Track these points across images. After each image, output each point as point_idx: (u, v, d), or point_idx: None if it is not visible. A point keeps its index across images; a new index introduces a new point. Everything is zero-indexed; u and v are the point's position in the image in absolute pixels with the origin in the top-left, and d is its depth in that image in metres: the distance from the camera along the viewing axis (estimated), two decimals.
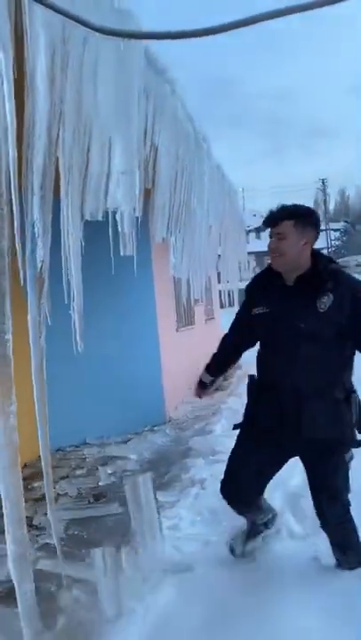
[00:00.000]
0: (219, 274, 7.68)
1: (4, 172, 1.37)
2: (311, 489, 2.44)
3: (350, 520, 2.43)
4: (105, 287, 4.96)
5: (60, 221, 1.95)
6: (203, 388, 2.77)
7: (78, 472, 4.42)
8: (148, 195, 3.16)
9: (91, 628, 2.07)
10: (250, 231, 35.37)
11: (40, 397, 1.71)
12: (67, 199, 1.95)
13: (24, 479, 4.14)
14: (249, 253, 17.36)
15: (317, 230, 2.32)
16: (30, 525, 3.38)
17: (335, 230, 50.03)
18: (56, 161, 1.84)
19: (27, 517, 3.45)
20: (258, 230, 49.97)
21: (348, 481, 2.37)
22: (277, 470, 2.52)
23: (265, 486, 2.57)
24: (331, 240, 48.40)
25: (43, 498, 3.67)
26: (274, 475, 2.53)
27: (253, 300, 2.44)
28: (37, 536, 3.24)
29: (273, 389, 2.33)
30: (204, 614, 2.14)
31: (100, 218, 2.24)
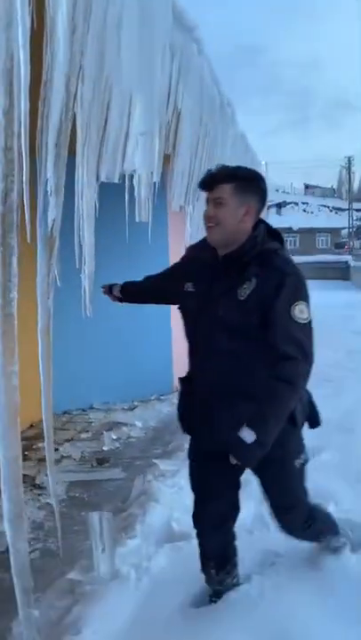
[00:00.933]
0: None
1: (16, 125, 1.31)
2: (269, 502, 2.11)
3: (314, 520, 2.17)
4: (118, 253, 4.89)
5: (74, 181, 1.90)
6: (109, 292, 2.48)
7: (83, 435, 4.46)
8: (167, 160, 3.07)
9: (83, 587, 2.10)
10: (270, 206, 34.86)
11: (45, 358, 1.69)
12: (82, 158, 1.88)
13: (30, 439, 4.25)
14: None
15: (263, 199, 1.92)
16: (33, 485, 3.43)
17: (358, 210, 49.12)
18: (73, 117, 1.77)
19: (29, 477, 3.54)
20: (279, 206, 49.24)
21: (305, 486, 2.09)
22: (230, 493, 2.08)
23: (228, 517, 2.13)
24: (353, 220, 47.60)
25: (44, 458, 3.73)
26: (230, 500, 2.09)
27: (186, 268, 2.12)
28: (39, 495, 3.29)
29: (190, 385, 2.02)
30: (196, 585, 2.15)
31: (116, 180, 2.17)
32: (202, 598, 2.14)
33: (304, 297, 1.82)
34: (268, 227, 1.96)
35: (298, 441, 2.00)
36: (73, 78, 1.72)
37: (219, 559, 2.12)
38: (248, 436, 1.73)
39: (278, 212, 46.26)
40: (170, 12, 2.62)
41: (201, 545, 2.12)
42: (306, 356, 1.78)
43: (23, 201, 1.33)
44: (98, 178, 2.09)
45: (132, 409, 5.16)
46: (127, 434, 4.44)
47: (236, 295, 1.82)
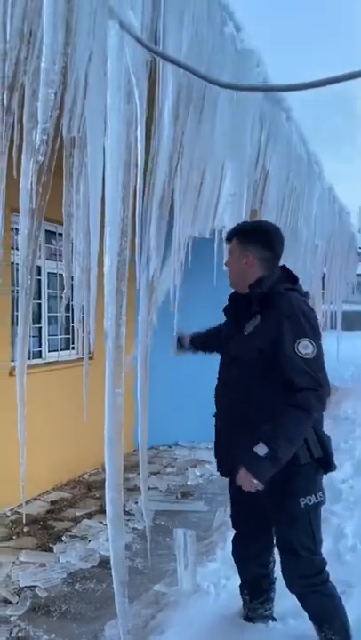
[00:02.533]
0: (323, 294, 7.65)
1: (131, 194, 1.65)
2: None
3: (325, 586, 2.01)
4: (207, 297, 5.21)
5: (172, 236, 2.24)
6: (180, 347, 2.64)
7: (169, 470, 4.70)
8: (254, 214, 3.38)
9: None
10: None
11: (143, 389, 1.98)
12: (180, 218, 2.22)
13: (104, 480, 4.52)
14: (359, 275, 16.86)
15: (267, 247, 2.10)
16: (123, 511, 3.70)
17: None
18: (173, 184, 2.12)
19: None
20: None
21: (315, 533, 2.00)
22: (265, 527, 2.16)
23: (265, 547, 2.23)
24: None
25: (134, 488, 4.02)
26: (266, 534, 2.18)
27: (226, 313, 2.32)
28: (128, 521, 3.54)
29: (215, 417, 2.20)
30: None
31: (207, 236, 2.49)
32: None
33: (308, 333, 1.93)
34: (286, 271, 2.17)
35: (305, 480, 1.97)
36: (175, 154, 2.08)
37: (252, 589, 2.24)
38: (260, 449, 1.86)
39: None
40: (260, 82, 2.96)
41: (239, 573, 2.27)
42: (319, 385, 1.89)
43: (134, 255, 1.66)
44: (192, 234, 2.42)
45: None
46: (210, 471, 4.61)
47: (243, 331, 2.04)
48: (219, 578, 2.47)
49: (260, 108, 3.00)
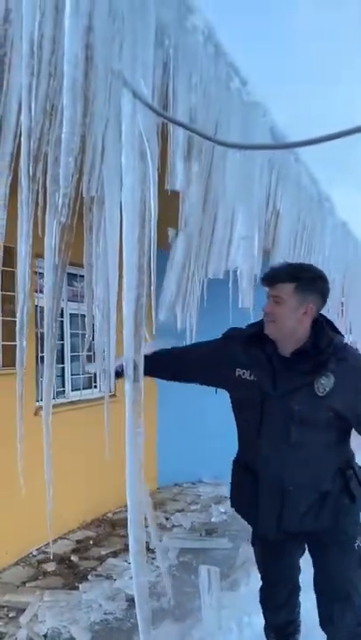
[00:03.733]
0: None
1: (146, 246, 1.77)
2: (317, 592, 2.08)
3: None
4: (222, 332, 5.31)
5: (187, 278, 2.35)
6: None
7: (193, 507, 4.71)
8: (267, 254, 3.48)
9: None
10: None
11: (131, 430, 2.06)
12: (195, 262, 2.34)
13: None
14: None
15: (323, 298, 1.96)
16: (147, 549, 3.71)
17: None
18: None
19: (145, 543, 3.81)
20: None
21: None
22: (293, 573, 2.20)
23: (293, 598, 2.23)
24: None
25: (158, 526, 4.03)
26: (293, 579, 2.21)
27: (237, 355, 2.04)
28: (153, 559, 3.56)
29: (252, 474, 1.99)
30: None
31: (221, 277, 2.59)
32: None
33: None
34: (326, 319, 2.02)
35: (357, 520, 1.99)
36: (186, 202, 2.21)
37: (279, 634, 2.23)
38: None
39: None
40: (268, 133, 3.11)
41: (266, 619, 2.25)
42: None
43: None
44: (206, 275, 2.53)
45: None
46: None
47: (314, 391, 1.85)
48: (242, 615, 2.47)
49: (270, 152, 3.14)
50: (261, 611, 2.28)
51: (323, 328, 1.94)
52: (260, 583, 2.28)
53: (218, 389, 2.19)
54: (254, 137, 2.83)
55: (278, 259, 3.58)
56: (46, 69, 1.30)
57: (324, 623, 2.02)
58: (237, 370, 2.00)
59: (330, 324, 2.03)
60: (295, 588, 2.21)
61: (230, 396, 2.12)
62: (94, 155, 1.52)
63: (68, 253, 1.44)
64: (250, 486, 1.99)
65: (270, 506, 1.94)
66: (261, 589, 2.27)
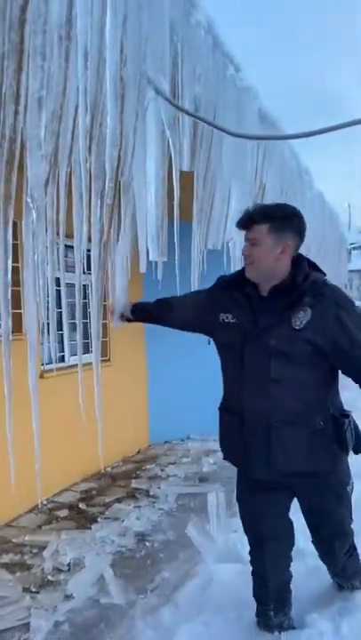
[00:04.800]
0: None
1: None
2: (313, 531, 2.19)
3: (355, 548, 2.26)
4: None
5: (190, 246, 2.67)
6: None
7: (184, 460, 5.10)
8: None
9: None
10: (354, 248, 34.72)
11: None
12: (197, 234, 2.64)
13: (139, 462, 4.93)
14: (351, 271, 17.34)
15: (300, 236, 1.95)
16: (148, 495, 4.10)
17: None
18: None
19: (144, 490, 4.21)
20: None
21: (351, 512, 2.15)
22: (288, 523, 2.17)
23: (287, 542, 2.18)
24: None
25: (155, 476, 4.42)
26: (292, 530, 2.18)
27: (221, 300, 2.07)
28: (154, 503, 3.95)
29: (238, 417, 1.99)
30: None
31: (219, 248, 2.91)
32: None
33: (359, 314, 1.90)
34: (307, 259, 2.01)
35: (347, 466, 2.07)
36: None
37: (278, 601, 2.16)
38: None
39: None
40: (256, 112, 3.39)
41: (261, 587, 2.16)
42: None
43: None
44: (206, 246, 2.84)
45: None
46: (222, 459, 5.02)
47: (291, 325, 1.85)
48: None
49: (259, 132, 3.42)
50: (255, 584, 2.19)
51: (301, 265, 1.93)
52: (249, 550, 2.21)
53: (210, 340, 2.20)
54: (246, 118, 3.12)
55: None
56: (95, 77, 1.56)
57: (325, 556, 2.25)
58: (221, 315, 2.03)
59: (312, 264, 2.01)
60: (292, 541, 2.18)
61: (215, 342, 2.14)
62: (127, 144, 1.79)
63: (110, 230, 1.72)
64: (237, 429, 1.98)
65: (258, 444, 1.93)
66: (254, 553, 2.17)
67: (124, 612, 2.51)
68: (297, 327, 1.85)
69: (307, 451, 1.92)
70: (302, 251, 2.03)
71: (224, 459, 2.21)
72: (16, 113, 1.28)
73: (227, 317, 2.03)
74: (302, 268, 1.94)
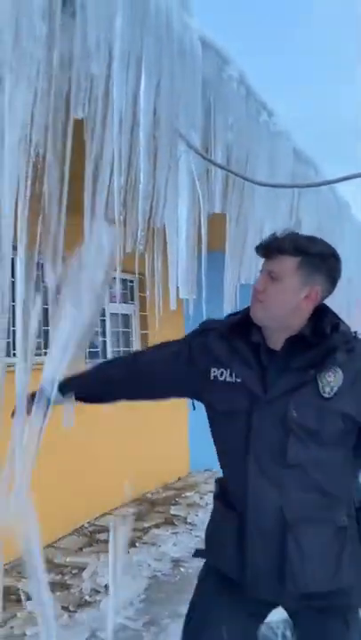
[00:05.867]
0: None
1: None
2: None
3: None
4: None
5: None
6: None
7: None
8: None
9: None
10: None
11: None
12: (229, 269, 2.79)
13: (178, 489, 5.01)
14: None
15: (333, 283, 1.45)
16: (185, 522, 4.19)
17: None
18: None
19: (182, 517, 4.29)
20: None
21: None
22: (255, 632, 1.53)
23: None
24: None
25: (193, 504, 4.50)
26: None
27: (213, 351, 1.50)
28: (191, 530, 4.03)
29: (239, 513, 1.41)
30: None
31: (252, 282, 3.03)
32: None
33: None
34: (327, 307, 1.52)
35: None
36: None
37: None
38: None
39: None
40: (291, 153, 3.53)
41: None
42: None
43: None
44: (239, 280, 2.97)
45: None
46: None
47: (318, 391, 1.37)
48: None
49: (292, 169, 3.56)
50: None
51: (325, 313, 1.46)
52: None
53: (194, 404, 1.66)
54: (280, 160, 3.26)
55: None
56: (128, 137, 1.75)
57: None
58: (213, 370, 1.48)
59: (329, 311, 1.51)
60: None
61: (208, 408, 1.54)
62: (159, 196, 1.96)
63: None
64: (236, 529, 1.42)
65: (267, 553, 1.37)
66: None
67: (156, 636, 2.60)
68: (326, 395, 1.36)
69: (332, 560, 1.38)
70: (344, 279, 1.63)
71: (207, 563, 1.55)
72: (62, 179, 1.48)
73: (222, 374, 1.47)
74: (327, 314, 1.46)
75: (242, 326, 1.47)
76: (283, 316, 1.41)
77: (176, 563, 3.41)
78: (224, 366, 1.47)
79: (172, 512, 4.44)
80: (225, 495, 1.51)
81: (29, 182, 1.40)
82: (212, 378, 1.48)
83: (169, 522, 4.21)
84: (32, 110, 1.41)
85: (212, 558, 1.53)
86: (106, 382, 1.67)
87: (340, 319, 1.48)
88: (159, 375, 1.62)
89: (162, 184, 1.95)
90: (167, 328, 2.61)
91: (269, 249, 1.44)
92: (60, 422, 1.78)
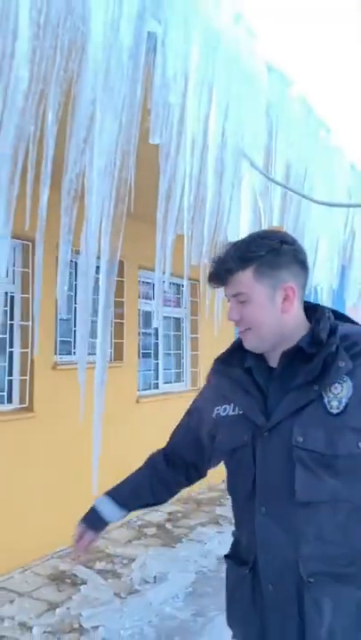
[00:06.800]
0: None
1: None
2: None
3: None
4: None
5: None
6: (89, 533, 1.46)
7: None
8: (343, 269, 3.97)
9: None
10: None
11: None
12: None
13: (224, 490, 5.11)
14: None
15: (302, 268, 1.27)
16: (230, 523, 4.30)
17: None
18: None
19: (228, 517, 4.40)
20: None
21: None
22: None
23: None
24: None
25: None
26: None
27: (217, 390, 1.36)
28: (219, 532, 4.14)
29: (251, 568, 1.22)
30: None
31: (306, 292, 3.13)
32: None
33: None
34: (328, 308, 1.34)
35: None
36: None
37: None
38: None
39: None
40: (348, 169, 3.60)
41: None
42: None
43: None
44: None
45: None
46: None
47: (325, 407, 1.16)
48: None
49: (348, 184, 3.64)
50: None
51: (319, 313, 1.27)
52: None
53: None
54: (338, 175, 3.35)
55: (354, 274, 4.07)
56: (198, 159, 1.90)
57: None
58: (215, 409, 1.33)
59: (336, 312, 1.32)
60: None
61: (214, 450, 1.37)
62: (223, 211, 2.10)
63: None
64: (249, 590, 1.22)
65: (283, 620, 1.16)
66: None
67: (203, 627, 2.73)
68: (335, 411, 1.15)
69: (356, 619, 1.14)
70: None
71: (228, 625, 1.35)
72: (136, 197, 1.64)
73: (225, 410, 1.32)
74: (322, 316, 1.26)
75: (235, 354, 1.34)
76: (274, 332, 1.24)
77: (221, 560, 3.49)
78: (227, 401, 1.31)
79: (217, 512, 4.56)
80: (237, 552, 1.30)
81: (113, 203, 1.57)
82: (214, 416, 1.33)
83: (214, 521, 4.34)
84: (117, 139, 1.58)
85: (233, 626, 1.32)
86: (158, 490, 1.50)
87: (342, 320, 1.28)
88: (187, 451, 1.46)
89: (226, 201, 2.09)
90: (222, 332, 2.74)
91: (219, 276, 1.28)
92: (117, 424, 1.95)
